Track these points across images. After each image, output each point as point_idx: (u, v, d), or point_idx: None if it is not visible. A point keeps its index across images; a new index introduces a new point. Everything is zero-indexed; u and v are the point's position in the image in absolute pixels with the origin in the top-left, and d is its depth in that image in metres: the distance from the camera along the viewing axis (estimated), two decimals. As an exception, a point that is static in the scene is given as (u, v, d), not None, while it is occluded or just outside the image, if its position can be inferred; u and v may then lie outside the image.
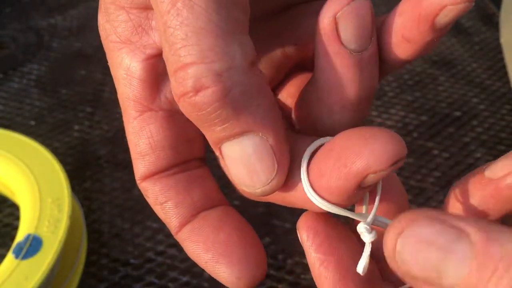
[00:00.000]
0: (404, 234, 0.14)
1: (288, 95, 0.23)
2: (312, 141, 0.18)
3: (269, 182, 0.17)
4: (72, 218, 0.36)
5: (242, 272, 0.18)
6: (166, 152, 0.19)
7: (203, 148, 0.20)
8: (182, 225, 0.19)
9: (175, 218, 0.19)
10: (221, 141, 0.17)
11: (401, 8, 0.17)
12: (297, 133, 0.20)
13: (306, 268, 0.39)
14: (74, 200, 0.40)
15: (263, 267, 0.19)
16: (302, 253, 0.40)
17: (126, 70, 0.18)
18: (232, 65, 0.15)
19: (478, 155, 0.48)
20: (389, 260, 0.15)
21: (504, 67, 0.58)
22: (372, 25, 0.17)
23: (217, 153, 0.18)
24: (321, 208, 0.17)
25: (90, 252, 0.39)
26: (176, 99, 0.16)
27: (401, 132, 0.50)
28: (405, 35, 0.17)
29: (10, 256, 0.33)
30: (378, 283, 0.19)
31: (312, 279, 0.38)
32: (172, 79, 0.16)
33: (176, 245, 0.40)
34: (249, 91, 0.16)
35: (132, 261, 0.39)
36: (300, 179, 0.17)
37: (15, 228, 0.40)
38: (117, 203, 0.42)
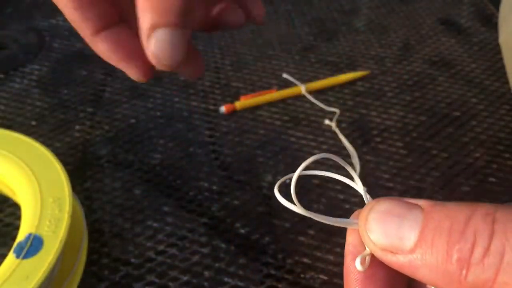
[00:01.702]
0: (371, 210, 0.18)
1: None
2: None
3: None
4: (73, 217, 0.36)
5: (145, 71, 0.26)
6: None
7: None
8: (104, 28, 0.24)
9: (97, 19, 0.24)
10: (157, 26, 0.22)
11: None
12: None
13: (305, 267, 0.39)
14: (75, 200, 0.41)
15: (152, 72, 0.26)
16: (301, 253, 0.40)
17: None
18: None
19: (477, 155, 0.48)
20: (362, 234, 0.18)
21: (502, 67, 0.58)
22: None
23: (147, 35, 0.22)
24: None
25: (90, 252, 0.39)
26: None
27: (400, 132, 0.50)
28: None
29: (11, 256, 0.33)
30: None
31: (311, 278, 0.38)
32: None
33: (176, 245, 0.40)
34: None
35: (132, 260, 0.39)
36: None
37: (16, 227, 0.40)
38: (117, 202, 0.43)
